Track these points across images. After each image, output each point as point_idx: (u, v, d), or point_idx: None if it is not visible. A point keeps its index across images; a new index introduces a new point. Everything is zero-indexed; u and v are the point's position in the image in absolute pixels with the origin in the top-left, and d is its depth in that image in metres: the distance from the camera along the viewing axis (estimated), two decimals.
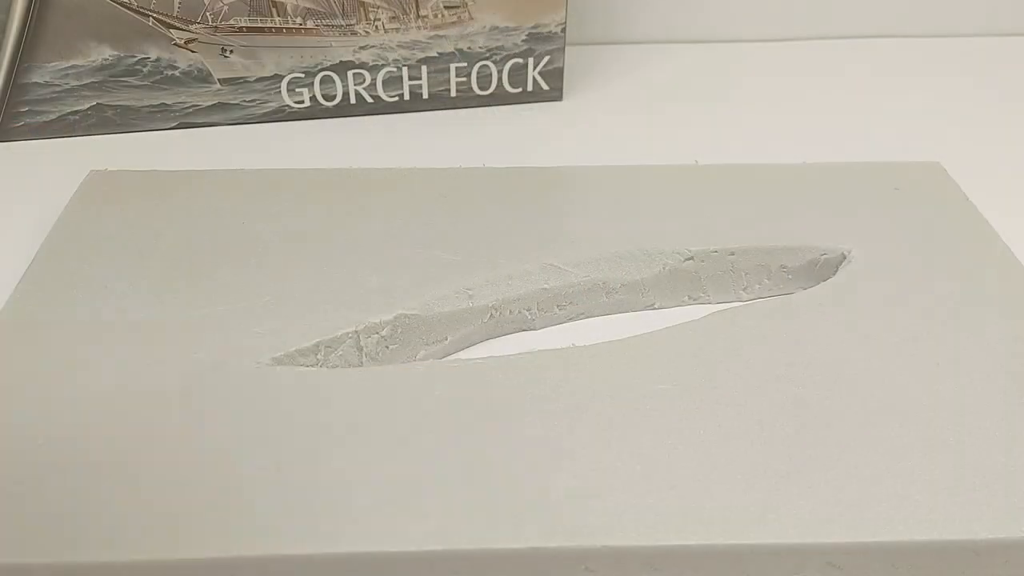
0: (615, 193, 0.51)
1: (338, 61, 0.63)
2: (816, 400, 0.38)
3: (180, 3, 0.59)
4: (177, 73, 0.62)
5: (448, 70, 0.65)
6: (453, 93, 0.66)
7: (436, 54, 0.64)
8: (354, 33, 0.62)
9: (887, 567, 0.33)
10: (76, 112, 0.61)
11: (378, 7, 0.62)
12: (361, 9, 0.62)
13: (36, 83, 0.60)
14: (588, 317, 0.48)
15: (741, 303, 0.45)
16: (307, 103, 0.64)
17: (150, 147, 0.62)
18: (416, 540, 0.32)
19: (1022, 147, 0.64)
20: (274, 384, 0.39)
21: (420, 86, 0.65)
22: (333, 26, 0.62)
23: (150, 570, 0.32)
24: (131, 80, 0.61)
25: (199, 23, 0.60)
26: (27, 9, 0.57)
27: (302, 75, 0.63)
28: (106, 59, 0.60)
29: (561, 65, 0.67)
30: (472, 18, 0.63)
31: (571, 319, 0.47)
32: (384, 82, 0.65)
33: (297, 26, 0.61)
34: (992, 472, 0.35)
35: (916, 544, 0.33)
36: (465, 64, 0.65)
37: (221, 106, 0.63)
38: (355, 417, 0.37)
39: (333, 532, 0.32)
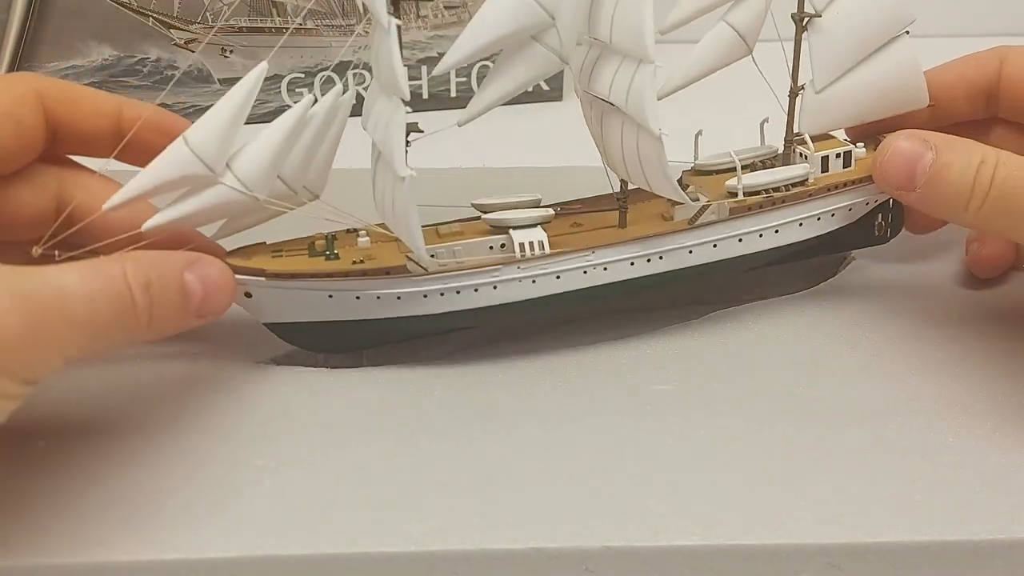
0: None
1: (338, 61, 0.63)
2: (816, 400, 0.38)
3: (180, 3, 0.59)
4: (177, 73, 0.62)
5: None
6: (453, 93, 0.66)
7: (436, 54, 0.64)
8: (354, 33, 0.62)
9: (887, 567, 0.33)
10: None
11: None
12: (361, 9, 0.62)
13: None
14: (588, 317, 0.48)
15: (741, 303, 0.45)
16: None
17: None
18: (416, 540, 0.32)
19: None
20: (274, 384, 0.39)
21: (420, 86, 0.65)
22: (333, 26, 0.62)
23: (150, 570, 0.32)
24: (131, 80, 0.61)
25: (199, 23, 0.60)
26: (27, 9, 0.57)
27: (302, 75, 0.63)
28: (106, 59, 0.60)
29: None
30: (472, 18, 0.63)
31: (571, 319, 0.47)
32: None
33: (297, 26, 0.61)
34: (992, 472, 0.35)
35: (916, 544, 0.33)
36: (465, 64, 0.65)
37: None
38: (355, 417, 0.37)
39: (333, 532, 0.32)
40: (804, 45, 0.41)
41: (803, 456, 0.36)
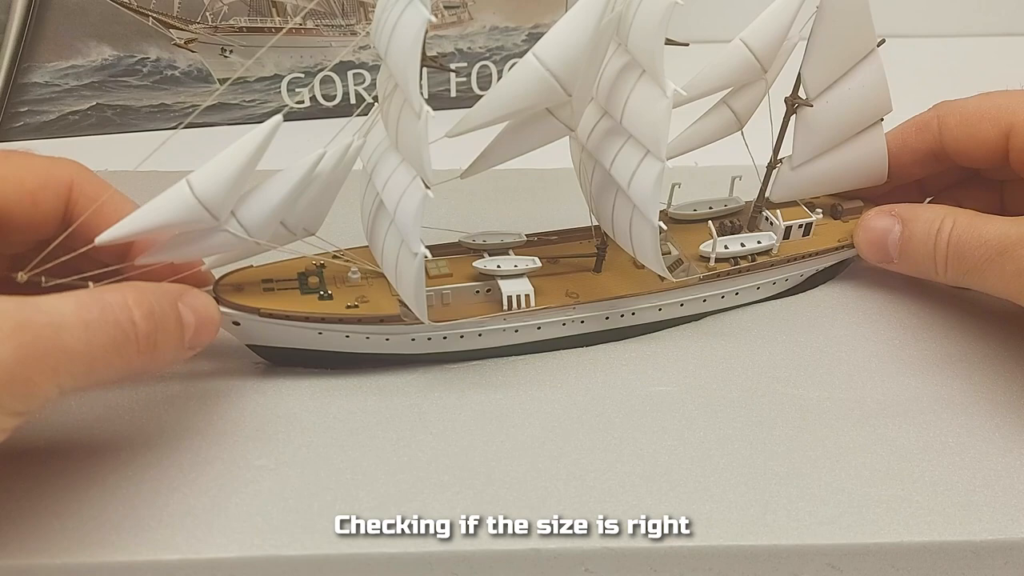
0: None
1: (338, 61, 0.63)
2: (816, 401, 0.38)
3: (180, 3, 0.59)
4: (177, 73, 0.62)
5: None
6: (453, 93, 0.66)
7: (436, 54, 0.64)
8: (354, 33, 0.62)
9: (887, 568, 0.33)
10: (76, 112, 0.62)
11: None
12: (361, 9, 0.62)
13: (36, 83, 0.60)
14: None
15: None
16: (307, 103, 0.64)
17: (150, 147, 0.62)
18: (416, 540, 0.32)
19: None
20: (274, 385, 0.39)
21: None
22: (333, 26, 0.62)
23: (150, 570, 0.32)
24: (131, 80, 0.61)
25: (199, 23, 0.60)
26: (27, 9, 0.57)
27: (302, 75, 0.63)
28: (106, 59, 0.60)
29: None
30: (472, 18, 0.63)
31: None
32: None
33: (297, 26, 0.61)
34: (992, 472, 0.35)
35: (916, 544, 0.33)
36: (465, 64, 0.65)
37: (221, 106, 0.63)
38: (355, 418, 0.37)
39: (332, 532, 0.32)
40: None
41: (803, 456, 0.36)
